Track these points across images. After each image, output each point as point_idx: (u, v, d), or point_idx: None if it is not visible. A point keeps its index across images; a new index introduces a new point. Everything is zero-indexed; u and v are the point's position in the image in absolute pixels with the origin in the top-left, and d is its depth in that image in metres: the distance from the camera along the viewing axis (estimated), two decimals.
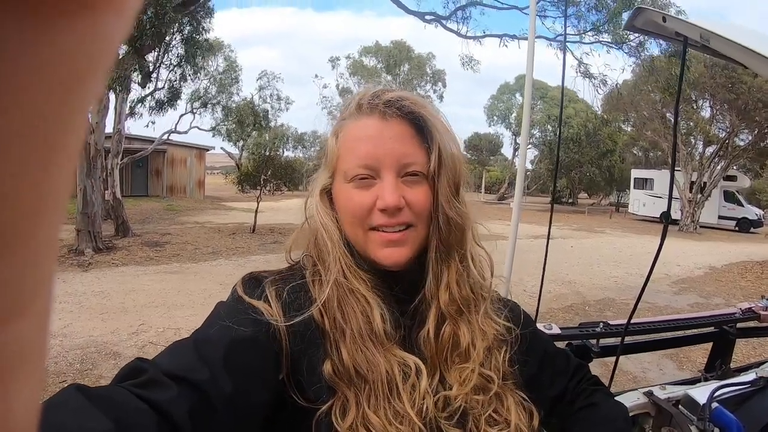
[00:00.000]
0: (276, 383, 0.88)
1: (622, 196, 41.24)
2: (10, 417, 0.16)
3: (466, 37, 17.07)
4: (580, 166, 36.26)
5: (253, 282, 0.98)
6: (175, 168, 29.78)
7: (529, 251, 14.85)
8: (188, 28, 13.95)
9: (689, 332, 2.55)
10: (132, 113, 19.05)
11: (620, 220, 30.59)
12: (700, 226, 26.25)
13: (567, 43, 16.05)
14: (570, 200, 43.78)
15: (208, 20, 14.77)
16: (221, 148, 33.57)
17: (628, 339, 2.22)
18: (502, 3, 16.36)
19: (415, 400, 0.91)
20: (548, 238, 2.62)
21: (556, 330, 2.26)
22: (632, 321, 2.21)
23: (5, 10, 0.13)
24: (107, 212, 14.62)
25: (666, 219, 2.25)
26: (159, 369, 0.76)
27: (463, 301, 1.01)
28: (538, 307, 2.53)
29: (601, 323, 2.34)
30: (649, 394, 1.89)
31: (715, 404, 1.74)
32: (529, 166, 43.46)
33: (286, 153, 32.94)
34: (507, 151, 44.86)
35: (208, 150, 32.37)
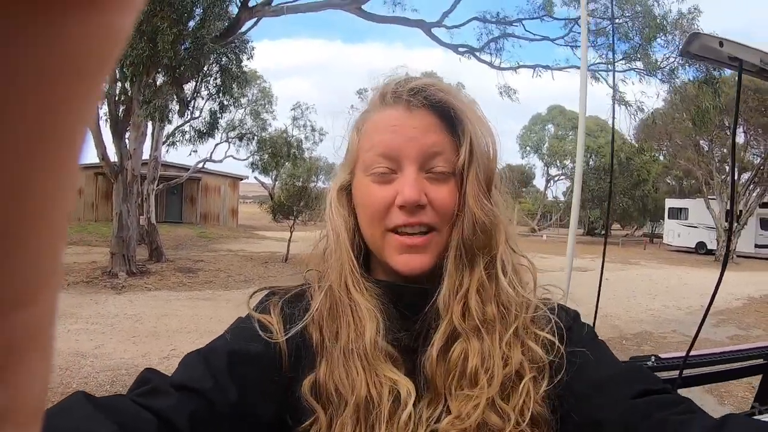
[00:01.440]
0: (280, 398, 0.85)
1: (655, 226, 40.56)
2: (24, 396, 0.16)
3: (499, 68, 17.19)
4: (614, 196, 35.83)
5: (263, 298, 0.96)
6: (209, 196, 30.25)
7: (562, 284, 14.67)
8: (224, 59, 14.24)
9: (736, 365, 2.50)
10: (173, 142, 19.53)
11: (654, 251, 30.08)
12: (737, 256, 25.47)
13: (598, 72, 16.04)
14: (602, 231, 43.21)
15: (246, 52, 15.09)
16: (255, 177, 34.02)
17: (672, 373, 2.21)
18: (534, 34, 16.47)
19: (393, 430, 0.81)
20: (602, 269, 2.63)
21: None
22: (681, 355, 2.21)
23: (11, 5, 0.13)
24: (141, 237, 14.88)
25: (726, 250, 2.23)
26: (165, 380, 0.77)
27: (483, 318, 0.86)
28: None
29: (653, 357, 2.37)
30: None
31: None
32: (561, 197, 43.23)
33: (318, 184, 33.29)
34: (539, 182, 44.61)
35: (242, 179, 32.76)
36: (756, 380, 2.50)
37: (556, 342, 0.86)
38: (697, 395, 6.20)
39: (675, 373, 2.25)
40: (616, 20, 14.22)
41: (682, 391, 2.62)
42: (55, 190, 0.15)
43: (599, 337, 0.94)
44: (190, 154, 21.78)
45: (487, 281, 0.88)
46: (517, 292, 0.89)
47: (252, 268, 15.29)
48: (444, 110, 0.88)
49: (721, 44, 1.79)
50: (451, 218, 0.88)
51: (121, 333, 7.69)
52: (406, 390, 0.82)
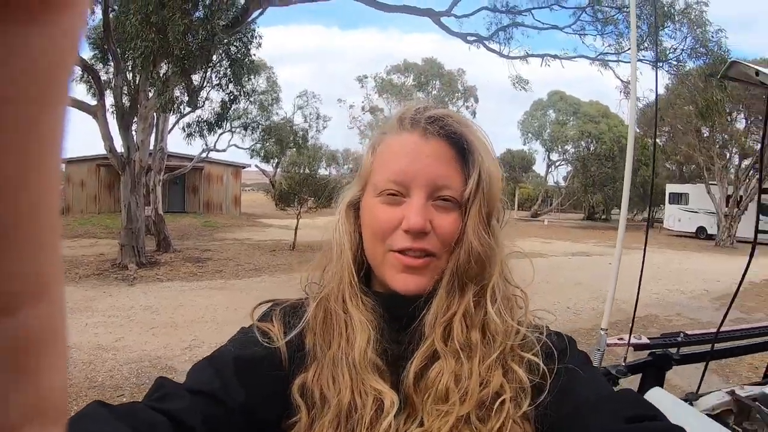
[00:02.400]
0: (283, 398, 0.88)
1: (656, 211, 40.67)
2: (43, 396, 0.16)
3: (508, 57, 17.20)
4: (614, 181, 35.83)
5: (266, 308, 0.99)
6: (212, 185, 30.26)
7: (566, 268, 14.73)
8: (233, 48, 14.20)
9: (756, 341, 2.85)
10: (190, 133, 19.54)
11: (656, 235, 30.09)
12: (737, 241, 25.66)
13: (608, 61, 16.06)
14: (604, 216, 43.32)
15: (254, 41, 15.04)
16: (255, 165, 34.00)
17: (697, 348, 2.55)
18: (543, 23, 16.47)
19: None
20: (644, 251, 2.79)
21: (644, 340, 2.65)
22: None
23: None
24: (148, 228, 14.90)
25: (754, 235, 2.41)
26: (178, 385, 0.81)
27: (465, 343, 0.88)
28: (633, 321, 2.86)
29: (682, 333, 2.70)
30: (731, 393, 2.18)
31: None
32: (562, 183, 43.25)
33: (320, 170, 33.34)
34: (539, 167, 44.65)
35: (244, 167, 32.77)
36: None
37: (541, 364, 0.86)
38: (700, 374, 6.30)
39: (706, 347, 2.59)
40: (624, 9, 14.24)
41: (713, 364, 2.87)
42: (43, 186, 0.16)
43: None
44: (189, 144, 21.74)
45: (474, 309, 0.90)
46: (504, 321, 0.90)
47: (260, 257, 15.32)
48: (458, 142, 0.91)
49: (756, 74, 1.98)
50: (451, 245, 0.91)
51: (139, 325, 7.74)
52: (390, 401, 0.84)
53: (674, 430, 0.73)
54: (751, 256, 2.03)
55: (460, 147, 0.91)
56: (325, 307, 0.92)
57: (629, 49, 15.08)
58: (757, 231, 2.71)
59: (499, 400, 0.83)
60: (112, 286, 10.65)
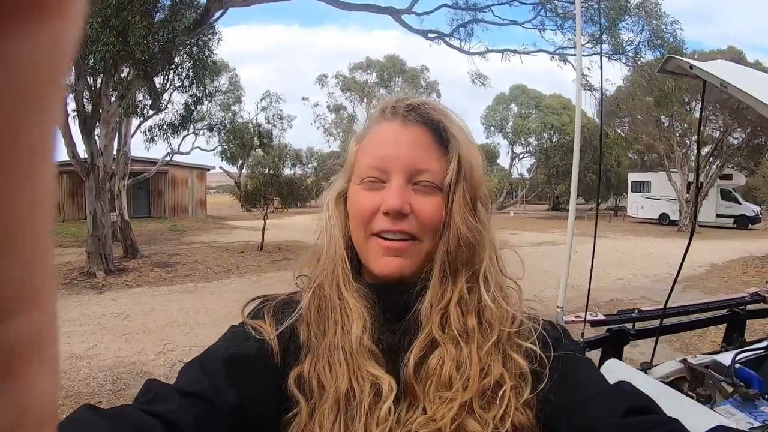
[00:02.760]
0: (276, 394, 0.88)
1: (619, 199, 41.40)
2: (32, 405, 0.16)
3: (469, 53, 17.39)
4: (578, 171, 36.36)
5: (257, 304, 1.00)
6: (177, 188, 29.86)
7: (533, 258, 14.97)
8: (195, 49, 14.08)
9: (704, 316, 3.09)
10: (152, 137, 19.28)
11: (619, 223, 30.74)
12: (699, 225, 26.34)
13: (567, 55, 16.37)
14: (568, 207, 43.89)
15: (215, 42, 14.93)
16: (220, 167, 33.70)
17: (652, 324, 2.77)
18: (503, 19, 16.68)
19: (372, 423, 0.84)
20: (594, 237, 2.97)
21: (601, 317, 2.84)
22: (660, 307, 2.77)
23: None
24: (114, 234, 14.70)
25: (693, 221, 2.62)
26: (167, 387, 0.80)
27: (463, 329, 0.89)
28: (588, 299, 2.99)
29: (636, 310, 2.93)
30: (684, 362, 2.36)
31: (738, 365, 2.23)
32: (527, 175, 43.74)
33: (284, 170, 33.15)
34: (503, 160, 45.05)
35: (209, 170, 32.47)
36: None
37: (539, 351, 0.89)
38: (668, 352, 6.52)
39: (656, 323, 2.78)
40: (582, 4, 14.52)
41: (663, 338, 3.13)
42: (36, 193, 0.16)
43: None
44: (146, 149, 21.45)
45: (467, 294, 0.91)
46: (499, 306, 0.92)
47: (229, 259, 15.22)
48: (436, 128, 0.93)
49: (690, 67, 2.11)
50: (435, 230, 0.91)
51: (111, 332, 7.66)
52: (388, 385, 0.85)
53: (671, 422, 0.75)
54: (691, 237, 2.22)
55: (439, 134, 0.93)
56: (320, 296, 0.93)
57: (586, 42, 15.45)
58: (696, 216, 2.98)
59: (501, 390, 0.86)
60: (82, 294, 10.49)
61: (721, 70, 2.03)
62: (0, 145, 0.14)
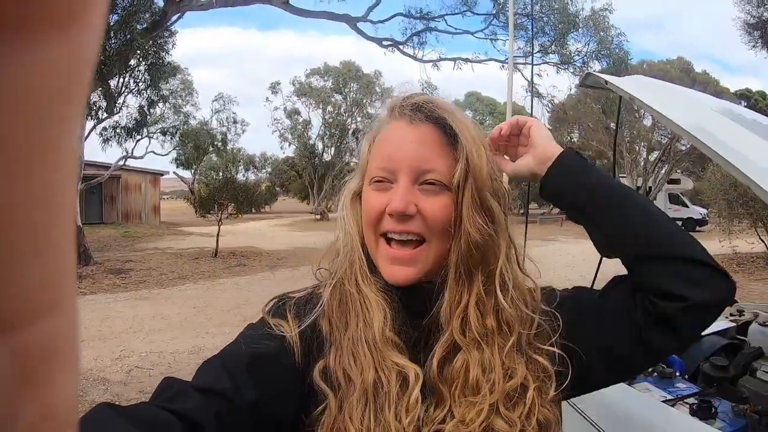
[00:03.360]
0: (298, 393, 0.88)
1: None
2: (55, 407, 0.17)
3: (422, 60, 17.72)
4: None
5: (277, 302, 0.98)
6: (130, 194, 29.17)
7: None
8: (152, 52, 13.95)
9: None
10: (106, 139, 18.93)
11: (571, 227, 31.06)
12: None
13: (518, 64, 16.82)
14: (522, 211, 44.59)
15: (170, 45, 14.82)
16: (174, 172, 33.20)
17: None
18: (455, 28, 17.06)
19: (401, 411, 0.85)
20: (525, 238, 3.09)
21: None
22: None
23: None
24: None
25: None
26: (187, 384, 0.80)
27: (482, 331, 0.90)
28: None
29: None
30: None
31: None
32: None
33: (238, 175, 32.89)
34: None
35: (162, 175, 31.85)
36: None
37: (557, 351, 0.93)
38: None
39: None
40: (534, 16, 15.01)
41: None
42: (60, 200, 0.16)
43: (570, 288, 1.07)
44: (104, 150, 21.03)
45: (485, 296, 0.91)
46: (517, 307, 0.92)
47: (183, 265, 15.04)
48: (442, 127, 0.92)
49: (605, 82, 2.28)
50: (444, 230, 0.91)
51: None
52: (414, 374, 0.86)
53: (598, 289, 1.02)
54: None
55: (446, 132, 0.92)
56: (341, 291, 0.93)
57: (537, 51, 15.92)
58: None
59: (526, 392, 0.88)
60: None
61: (633, 85, 2.20)
62: (24, 154, 0.14)
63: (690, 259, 0.94)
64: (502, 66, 17.98)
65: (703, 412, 1.95)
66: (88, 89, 0.17)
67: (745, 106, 24.62)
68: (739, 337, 2.78)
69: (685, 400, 2.09)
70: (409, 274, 0.90)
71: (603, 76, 2.33)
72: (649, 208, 1.00)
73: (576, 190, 1.01)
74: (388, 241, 0.92)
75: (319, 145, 37.72)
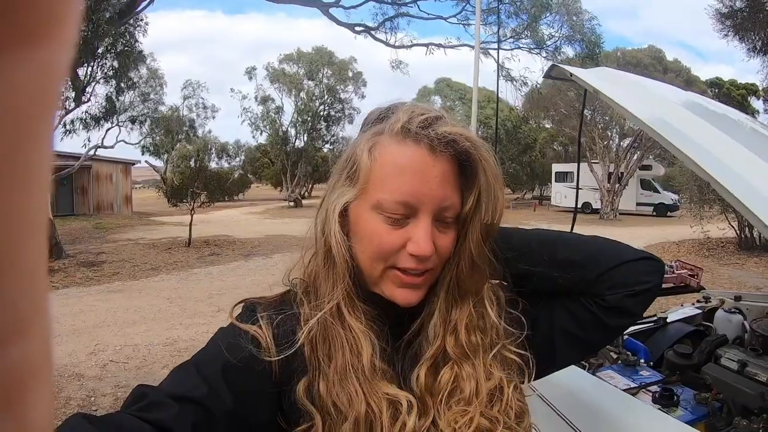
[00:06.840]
0: (273, 405, 0.87)
1: (544, 189, 42.53)
2: (32, 427, 0.17)
3: (394, 46, 17.67)
4: (502, 163, 37.20)
5: (247, 310, 0.95)
6: (101, 184, 28.72)
7: None
8: (121, 40, 13.69)
9: None
10: (71, 130, 18.58)
11: (544, 212, 31.62)
12: (620, 213, 27.92)
13: (489, 49, 16.86)
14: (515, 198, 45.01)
15: (140, 31, 14.56)
16: (145, 161, 32.72)
17: None
18: (428, 14, 17.04)
19: None
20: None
21: None
22: None
23: None
24: None
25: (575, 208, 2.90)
26: (161, 392, 0.78)
27: (470, 347, 0.92)
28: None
29: None
30: None
31: (626, 337, 2.52)
32: None
33: (211, 163, 32.61)
34: None
35: (134, 164, 31.43)
36: None
37: (525, 344, 0.98)
38: None
39: None
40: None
41: None
42: (31, 219, 0.16)
43: None
44: (83, 145, 20.55)
45: (475, 315, 0.94)
46: (500, 320, 0.96)
47: (156, 256, 14.89)
48: (464, 160, 0.88)
49: (570, 75, 2.31)
50: (448, 259, 0.92)
51: None
52: (406, 402, 0.86)
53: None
54: (573, 222, 2.43)
55: (465, 165, 0.89)
56: (323, 320, 0.89)
57: (510, 37, 15.98)
58: (577, 202, 3.25)
59: (505, 391, 0.92)
60: None
61: (596, 78, 2.21)
62: None
63: (623, 262, 0.99)
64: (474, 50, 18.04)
65: (664, 399, 1.99)
66: (56, 108, 0.16)
67: (715, 95, 25.02)
68: (705, 323, 2.82)
69: (648, 388, 2.12)
70: (420, 295, 0.91)
71: (568, 68, 2.36)
72: (568, 239, 1.07)
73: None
74: (402, 270, 0.89)
75: (292, 132, 37.72)
